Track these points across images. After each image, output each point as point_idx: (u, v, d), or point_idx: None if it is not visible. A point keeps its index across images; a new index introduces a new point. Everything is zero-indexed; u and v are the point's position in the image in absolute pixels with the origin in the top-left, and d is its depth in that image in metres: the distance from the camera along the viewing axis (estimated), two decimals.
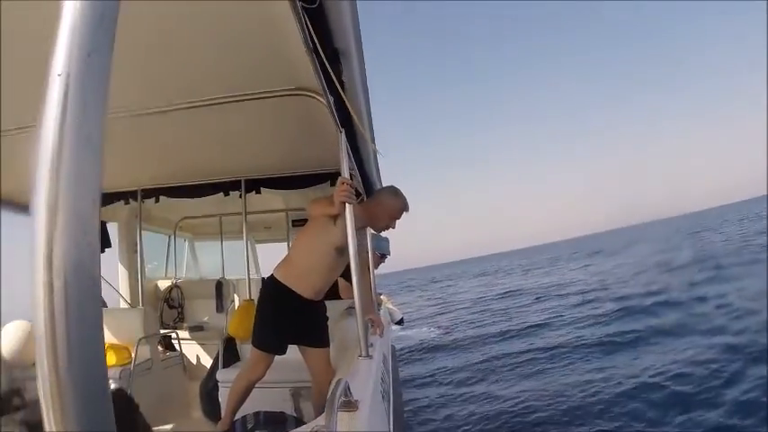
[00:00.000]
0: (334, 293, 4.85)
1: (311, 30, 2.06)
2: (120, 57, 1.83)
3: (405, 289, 56.11)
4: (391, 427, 2.81)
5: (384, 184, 5.19)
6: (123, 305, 6.89)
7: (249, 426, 3.15)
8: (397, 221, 4.00)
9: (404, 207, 3.97)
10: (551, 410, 7.72)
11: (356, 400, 1.98)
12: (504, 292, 29.13)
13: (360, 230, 3.80)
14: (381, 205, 3.95)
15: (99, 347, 0.56)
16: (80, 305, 0.53)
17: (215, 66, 2.98)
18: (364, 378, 2.65)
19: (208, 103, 3.41)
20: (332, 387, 1.87)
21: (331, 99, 2.73)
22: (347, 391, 1.94)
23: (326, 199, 3.53)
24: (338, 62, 2.35)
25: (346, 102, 2.77)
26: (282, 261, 4.00)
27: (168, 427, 4.84)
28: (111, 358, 5.05)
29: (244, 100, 3.34)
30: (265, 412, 3.28)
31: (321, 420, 1.79)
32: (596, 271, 32.09)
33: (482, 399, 8.88)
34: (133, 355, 5.07)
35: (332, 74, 2.41)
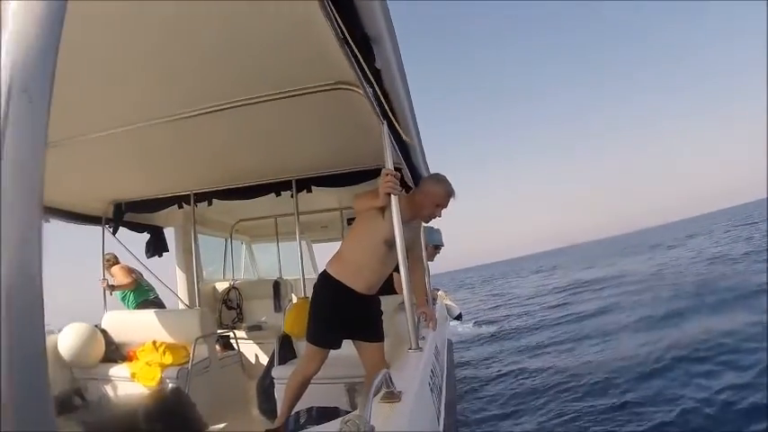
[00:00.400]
0: (390, 288, 4.79)
1: (339, 19, 2.04)
2: (164, 62, 1.86)
3: (461, 287, 55.30)
4: (441, 420, 2.76)
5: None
6: (181, 307, 7.01)
7: (302, 421, 3.15)
8: (444, 210, 3.87)
9: (448, 193, 3.83)
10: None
11: (399, 392, 1.94)
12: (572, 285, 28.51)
13: (409, 222, 3.76)
14: (424, 193, 3.83)
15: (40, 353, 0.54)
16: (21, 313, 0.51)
17: (254, 66, 3.01)
18: (411, 370, 2.62)
19: (252, 101, 3.43)
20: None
21: (369, 90, 2.71)
22: (389, 381, 1.90)
23: (370, 192, 3.49)
24: (371, 50, 2.31)
25: (383, 91, 2.74)
26: (334, 256, 3.97)
27: (224, 425, 4.88)
28: (168, 358, 5.14)
29: (285, 97, 3.36)
30: (318, 408, 3.27)
31: None
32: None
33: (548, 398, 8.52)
34: (191, 354, 5.14)
35: (363, 63, 2.39)
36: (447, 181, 3.84)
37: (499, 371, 10.29)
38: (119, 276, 6.83)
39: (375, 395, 1.73)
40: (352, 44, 2.23)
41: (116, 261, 6.94)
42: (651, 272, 24.86)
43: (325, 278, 3.88)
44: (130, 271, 6.98)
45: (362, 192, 3.70)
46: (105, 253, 6.74)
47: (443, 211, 3.88)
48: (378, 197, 3.28)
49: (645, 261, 33.23)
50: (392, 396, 1.91)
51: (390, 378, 1.91)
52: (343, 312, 3.79)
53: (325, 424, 2.18)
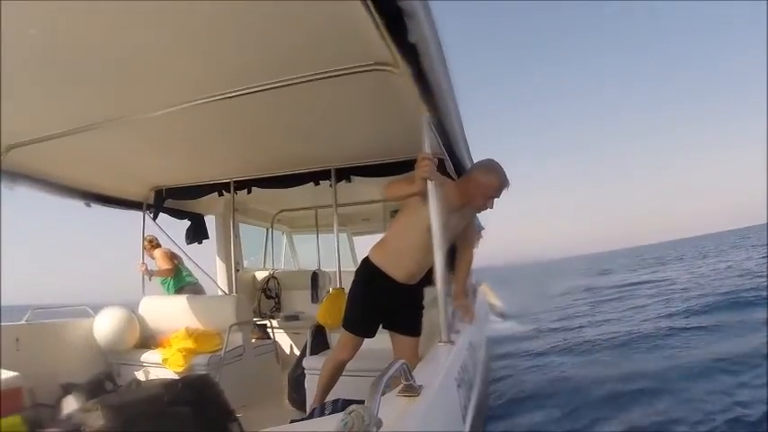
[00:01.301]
0: (429, 279, 4.69)
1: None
2: (206, 41, 1.79)
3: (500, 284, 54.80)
4: (468, 420, 2.63)
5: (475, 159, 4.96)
6: (219, 293, 7.02)
7: (327, 412, 3.07)
8: (496, 200, 3.64)
9: (501, 184, 3.57)
10: None
11: (419, 386, 1.83)
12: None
13: (459, 210, 3.60)
14: (474, 182, 3.59)
15: None
16: None
17: (293, 45, 2.93)
18: (439, 364, 2.51)
19: (291, 81, 3.34)
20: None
21: (406, 69, 2.60)
22: (408, 374, 1.80)
23: (405, 179, 3.39)
24: (404, 25, 2.20)
25: (421, 70, 2.62)
26: (377, 243, 3.91)
27: (254, 412, 4.85)
28: (203, 344, 5.16)
29: (321, 78, 3.25)
30: (344, 400, 3.18)
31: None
32: None
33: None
34: (225, 341, 5.12)
35: (397, 38, 2.28)
36: (500, 169, 3.61)
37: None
38: (160, 260, 6.85)
39: (389, 386, 1.63)
40: (384, 20, 2.13)
41: (157, 244, 6.96)
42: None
43: (365, 264, 3.84)
44: (172, 256, 7.00)
45: (395, 180, 3.59)
46: (146, 235, 6.75)
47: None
48: (413, 184, 3.14)
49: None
50: (411, 390, 1.80)
51: (409, 370, 1.80)
52: (380, 300, 3.74)
53: (333, 415, 2.09)
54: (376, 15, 2.11)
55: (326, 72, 3.20)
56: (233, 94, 3.49)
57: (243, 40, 2.86)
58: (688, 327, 12.24)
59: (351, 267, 7.80)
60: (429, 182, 2.99)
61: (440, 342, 2.89)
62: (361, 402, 3.11)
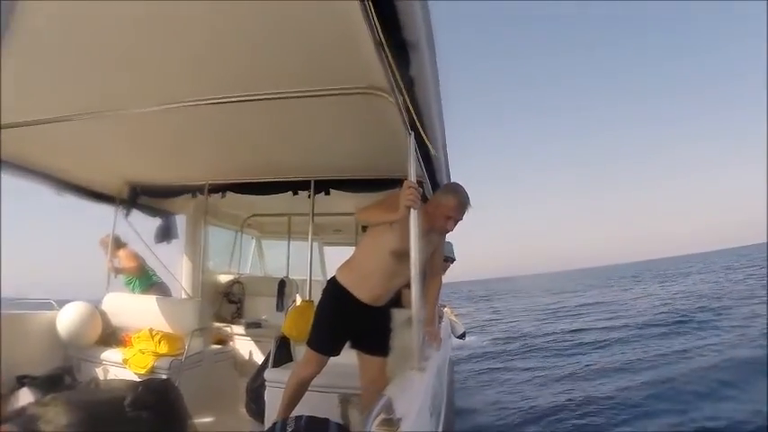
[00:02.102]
0: (398, 302, 4.69)
1: (377, 20, 1.95)
2: (196, 47, 1.79)
3: (463, 299, 57.03)
4: None
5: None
6: (183, 296, 6.93)
7: (289, 429, 3.06)
8: (459, 222, 3.63)
9: (460, 204, 3.55)
10: None
11: (398, 419, 1.84)
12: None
13: (427, 235, 3.56)
14: (434, 203, 3.63)
15: None
16: None
17: (286, 61, 2.94)
18: (413, 393, 2.52)
19: (279, 96, 3.36)
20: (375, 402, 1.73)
21: (399, 99, 2.62)
22: (389, 408, 1.81)
23: (381, 205, 3.40)
24: (407, 56, 2.22)
25: (414, 101, 2.65)
26: (345, 263, 3.91)
27: (210, 420, 4.81)
28: (164, 347, 5.11)
29: (312, 96, 3.28)
30: (308, 417, 3.17)
31: None
32: None
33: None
34: (186, 346, 5.08)
35: (397, 70, 2.29)
36: (460, 190, 3.61)
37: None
38: (124, 260, 6.73)
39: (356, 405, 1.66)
40: (386, 49, 2.14)
41: (123, 244, 6.84)
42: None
43: (332, 284, 3.83)
44: (136, 256, 6.88)
45: (369, 205, 3.57)
46: (111, 235, 6.64)
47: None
48: (393, 211, 3.12)
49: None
50: (390, 423, 1.81)
51: (391, 405, 1.81)
52: (346, 321, 3.74)
53: None
54: (380, 43, 2.12)
55: (320, 90, 3.21)
56: (222, 101, 3.48)
57: (239, 48, 2.84)
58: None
59: (320, 277, 7.76)
60: (412, 210, 2.97)
61: (412, 369, 2.89)
62: (324, 420, 3.11)
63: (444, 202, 3.55)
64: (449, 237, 3.98)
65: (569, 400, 10.03)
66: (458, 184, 3.73)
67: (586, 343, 17.44)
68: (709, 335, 16.10)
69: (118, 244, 6.72)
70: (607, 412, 9.07)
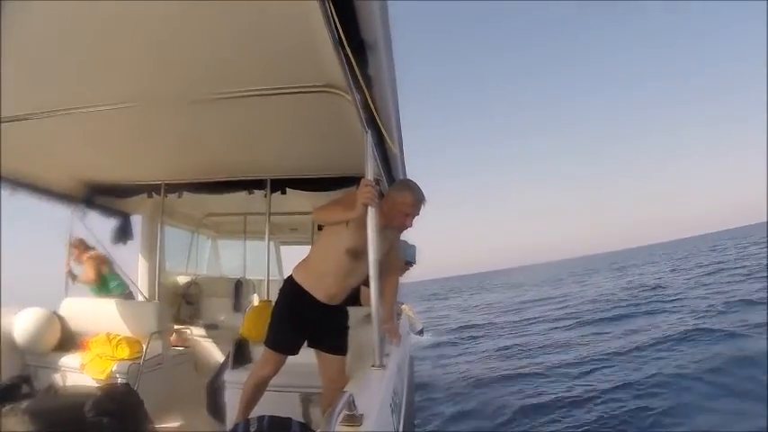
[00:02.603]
0: (355, 300, 4.69)
1: (337, 21, 1.95)
2: (144, 44, 1.78)
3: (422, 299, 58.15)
4: None
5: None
6: (140, 298, 6.83)
7: (252, 430, 3.05)
8: (416, 218, 3.67)
9: (417, 200, 3.58)
10: None
11: (360, 415, 1.87)
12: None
13: (381, 232, 3.45)
14: (390, 201, 3.62)
15: None
16: None
17: (241, 58, 2.93)
18: (374, 390, 2.54)
19: (234, 95, 3.36)
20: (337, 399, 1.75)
21: (357, 97, 2.63)
22: (351, 404, 1.83)
23: (339, 204, 3.37)
24: (365, 56, 2.23)
25: (372, 99, 2.66)
26: (301, 262, 3.90)
27: (174, 424, 4.77)
28: (123, 351, 5.02)
29: (269, 94, 3.28)
30: (270, 417, 3.16)
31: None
32: None
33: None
34: (144, 349, 5.01)
35: (356, 68, 2.30)
36: (415, 187, 3.64)
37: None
38: (87, 269, 6.51)
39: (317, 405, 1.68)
40: (346, 48, 2.15)
41: (86, 248, 6.63)
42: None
43: (289, 283, 3.82)
44: (102, 263, 6.67)
45: (326, 204, 3.58)
46: (73, 237, 6.50)
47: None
48: (350, 209, 3.11)
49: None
50: (353, 419, 1.83)
51: (353, 401, 1.83)
52: (302, 319, 3.74)
53: None
54: (340, 42, 2.12)
55: (275, 89, 3.22)
56: (179, 100, 3.47)
57: (197, 47, 2.82)
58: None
59: (276, 277, 7.72)
60: (370, 208, 2.98)
61: (372, 366, 2.91)
62: (287, 419, 3.12)
63: (401, 200, 3.56)
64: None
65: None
66: (411, 181, 3.79)
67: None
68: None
69: (84, 247, 6.57)
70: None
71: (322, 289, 3.70)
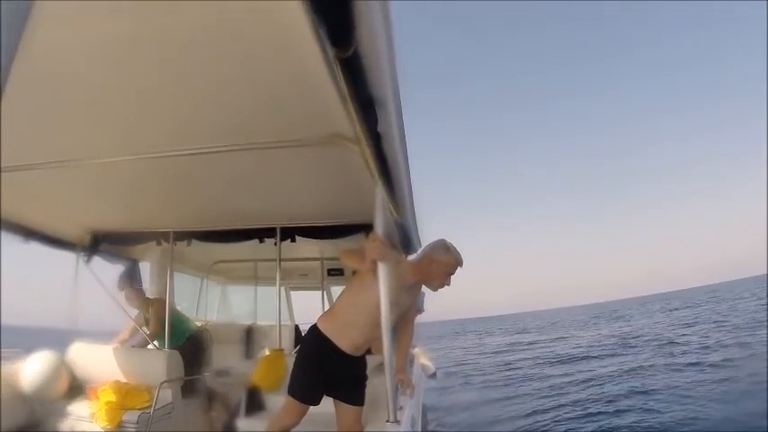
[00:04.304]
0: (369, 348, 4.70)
1: (343, 78, 1.96)
2: (160, 99, 1.78)
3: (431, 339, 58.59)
4: None
5: (421, 236, 5.10)
6: (150, 346, 6.78)
7: None
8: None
9: (458, 262, 3.81)
10: None
11: None
12: None
13: (410, 287, 3.79)
14: (435, 262, 3.78)
15: None
16: None
17: (251, 113, 2.93)
18: None
19: (244, 147, 3.37)
20: None
21: (367, 149, 2.64)
22: None
23: (358, 252, 3.43)
24: (373, 111, 2.24)
25: (381, 152, 2.68)
26: (327, 312, 3.99)
27: None
28: (130, 400, 4.95)
29: (280, 147, 3.30)
30: None
31: None
32: None
33: None
34: (154, 398, 4.96)
35: (364, 123, 2.33)
36: (455, 249, 3.83)
37: None
38: (158, 311, 6.45)
39: None
40: (354, 103, 2.15)
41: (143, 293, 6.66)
42: None
43: (313, 332, 3.86)
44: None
45: (352, 249, 3.64)
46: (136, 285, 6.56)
47: None
48: (364, 260, 3.18)
49: None
50: None
51: None
52: (326, 369, 3.75)
53: None
54: (344, 98, 2.13)
55: (284, 141, 3.23)
56: (180, 154, 3.48)
57: (204, 98, 2.80)
58: None
59: (287, 322, 7.68)
60: (380, 263, 3.00)
61: (387, 422, 2.89)
62: None
63: (446, 261, 3.77)
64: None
65: None
66: (450, 243, 3.89)
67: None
68: None
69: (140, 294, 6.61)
70: None
71: (347, 339, 3.73)
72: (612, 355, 22.91)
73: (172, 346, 6.21)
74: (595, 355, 24.29)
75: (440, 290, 3.94)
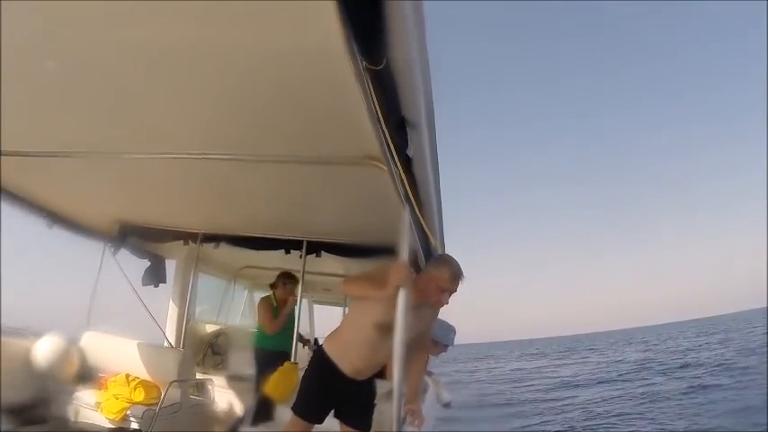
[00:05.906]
0: (381, 373, 4.54)
1: (375, 95, 1.91)
2: (200, 100, 1.76)
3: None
4: None
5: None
6: (166, 344, 6.77)
7: None
8: (453, 294, 3.50)
9: (454, 276, 3.42)
10: None
11: None
12: None
13: (415, 309, 3.33)
14: (426, 276, 3.52)
15: None
16: None
17: (285, 124, 2.95)
18: None
19: (275, 159, 3.43)
20: None
21: (396, 172, 2.60)
22: None
23: (369, 279, 3.32)
24: (404, 132, 2.20)
25: (411, 176, 2.63)
26: (332, 332, 3.89)
27: None
28: (138, 395, 4.94)
29: (309, 162, 3.33)
30: None
31: None
32: None
33: None
34: (162, 396, 4.94)
35: (395, 145, 2.27)
36: (452, 261, 3.51)
37: None
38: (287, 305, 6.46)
39: None
40: (386, 124, 2.11)
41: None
42: None
43: (318, 353, 3.82)
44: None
45: (357, 276, 3.54)
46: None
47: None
48: (381, 287, 3.02)
49: None
50: None
51: None
52: (329, 391, 3.70)
53: None
54: (376, 118, 2.10)
55: (317, 158, 3.27)
56: (222, 157, 3.51)
57: (243, 110, 2.85)
58: None
59: (307, 335, 7.63)
60: (402, 289, 2.88)
61: None
62: None
63: (438, 275, 3.44)
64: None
65: None
66: (448, 255, 3.69)
67: None
68: None
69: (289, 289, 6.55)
70: None
71: (348, 362, 3.64)
72: None
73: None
74: None
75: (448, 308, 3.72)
